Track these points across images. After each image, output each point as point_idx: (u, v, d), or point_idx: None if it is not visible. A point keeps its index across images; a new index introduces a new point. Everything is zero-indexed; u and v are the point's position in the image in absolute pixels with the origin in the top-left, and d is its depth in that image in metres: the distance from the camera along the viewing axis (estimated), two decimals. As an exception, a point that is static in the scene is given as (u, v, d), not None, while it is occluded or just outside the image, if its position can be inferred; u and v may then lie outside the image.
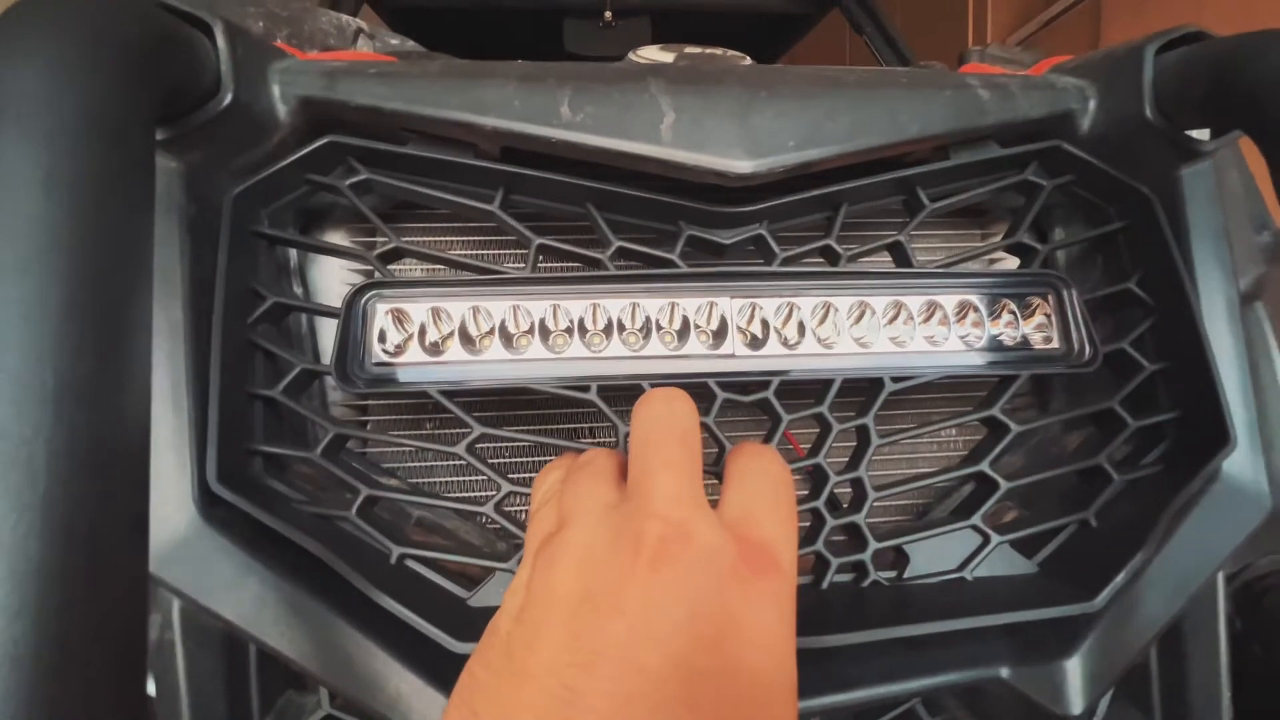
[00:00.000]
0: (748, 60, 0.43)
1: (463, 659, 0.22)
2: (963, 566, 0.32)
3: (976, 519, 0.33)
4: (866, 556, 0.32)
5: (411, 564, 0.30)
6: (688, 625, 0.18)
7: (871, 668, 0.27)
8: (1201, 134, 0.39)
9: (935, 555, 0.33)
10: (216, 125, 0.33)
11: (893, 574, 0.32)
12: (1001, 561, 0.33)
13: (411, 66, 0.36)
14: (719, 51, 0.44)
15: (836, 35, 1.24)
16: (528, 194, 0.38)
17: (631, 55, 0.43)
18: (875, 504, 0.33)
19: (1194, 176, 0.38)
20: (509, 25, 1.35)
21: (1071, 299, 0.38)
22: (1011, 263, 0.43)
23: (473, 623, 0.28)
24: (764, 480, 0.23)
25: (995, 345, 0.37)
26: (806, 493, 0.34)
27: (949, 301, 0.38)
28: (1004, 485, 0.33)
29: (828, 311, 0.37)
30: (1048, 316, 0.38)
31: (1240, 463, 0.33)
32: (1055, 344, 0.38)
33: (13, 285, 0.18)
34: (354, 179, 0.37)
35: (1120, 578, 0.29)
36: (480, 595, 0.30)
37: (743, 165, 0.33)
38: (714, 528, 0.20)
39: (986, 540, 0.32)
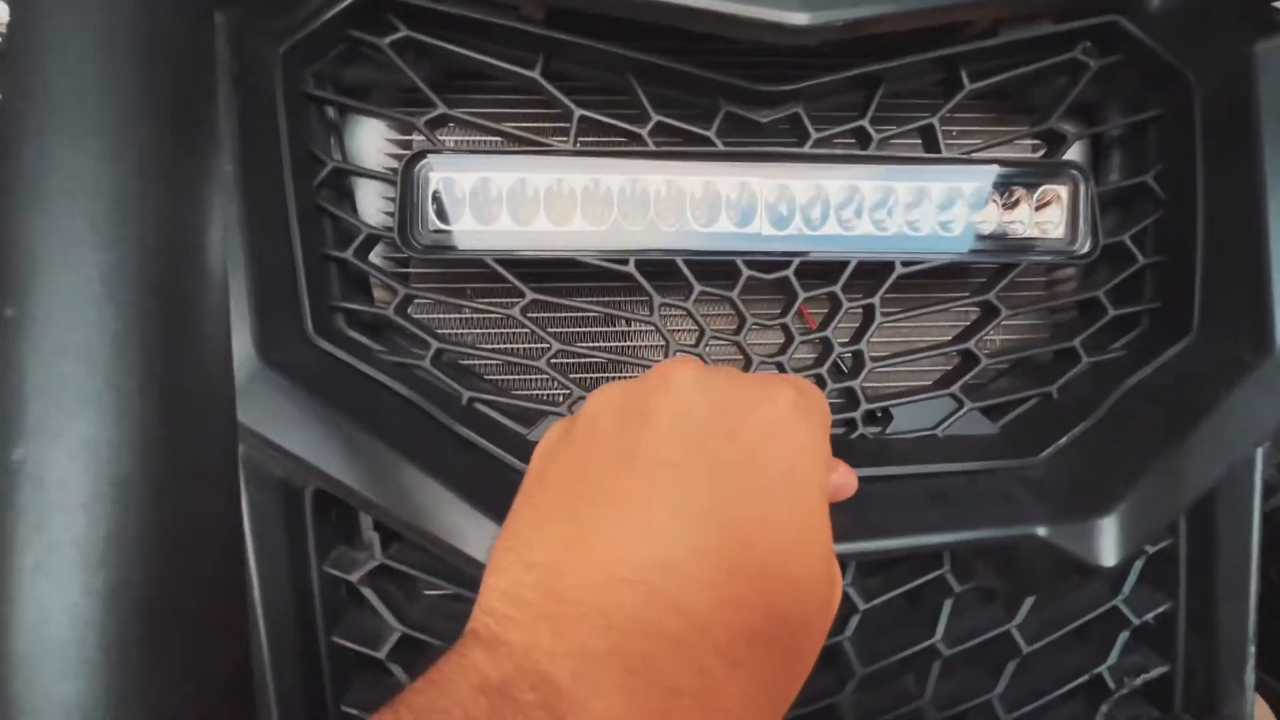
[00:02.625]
0: None
1: (514, 485, 0.26)
2: (936, 426, 0.37)
3: (955, 388, 0.36)
4: (858, 415, 0.36)
5: (479, 406, 0.35)
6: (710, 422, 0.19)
7: (904, 519, 0.28)
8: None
9: (916, 416, 0.37)
10: (255, -20, 0.32)
11: (877, 430, 0.37)
12: (970, 424, 0.37)
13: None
14: None
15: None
16: (570, 61, 0.37)
17: None
18: (876, 371, 0.37)
19: (1271, 53, 0.34)
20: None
21: (1086, 192, 0.38)
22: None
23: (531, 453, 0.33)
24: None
25: (1002, 233, 0.38)
26: (813, 359, 0.37)
27: (968, 188, 0.38)
28: (984, 361, 0.37)
29: (853, 194, 0.37)
30: (1060, 207, 0.38)
31: None
32: (1061, 234, 0.38)
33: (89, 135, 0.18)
34: (395, 36, 0.35)
35: (1063, 440, 0.33)
36: (536, 433, 0.35)
37: (799, 18, 0.29)
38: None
39: (960, 405, 0.37)
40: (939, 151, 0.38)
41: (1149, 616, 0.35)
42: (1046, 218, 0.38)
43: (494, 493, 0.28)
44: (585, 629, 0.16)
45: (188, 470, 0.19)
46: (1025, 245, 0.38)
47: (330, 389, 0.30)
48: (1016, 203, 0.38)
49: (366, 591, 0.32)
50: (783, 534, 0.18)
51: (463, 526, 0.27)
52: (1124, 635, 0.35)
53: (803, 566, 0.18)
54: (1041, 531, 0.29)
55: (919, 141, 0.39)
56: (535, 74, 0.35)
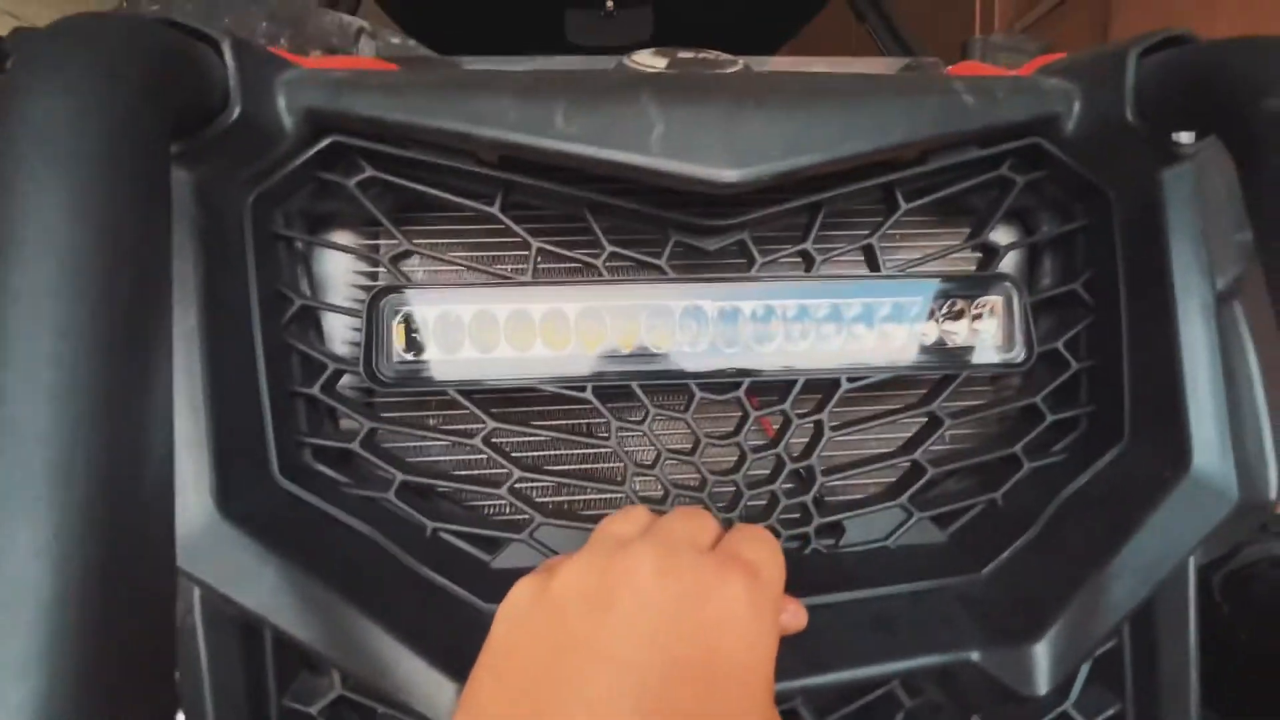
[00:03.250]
0: (740, 63, 0.41)
1: (467, 638, 0.26)
2: (887, 537, 0.38)
3: (904, 499, 0.37)
4: (810, 529, 0.37)
5: (443, 535, 0.35)
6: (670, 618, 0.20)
7: (846, 651, 0.29)
8: (1189, 135, 0.38)
9: (868, 527, 0.38)
10: (226, 138, 0.33)
11: (830, 541, 0.38)
12: (920, 532, 0.38)
13: (412, 77, 0.34)
14: (712, 55, 0.42)
15: (841, 22, 1.11)
16: (527, 198, 0.38)
17: (626, 61, 0.41)
18: (826, 484, 0.38)
19: (1174, 179, 0.37)
20: (511, 17, 1.18)
21: (1019, 302, 0.40)
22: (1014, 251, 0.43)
23: (495, 584, 0.34)
24: (752, 532, 0.26)
25: (942, 345, 0.39)
26: (767, 474, 0.39)
27: (908, 303, 0.40)
28: (930, 471, 0.38)
29: (798, 313, 0.39)
30: (996, 318, 0.40)
31: (1208, 457, 0.32)
32: (998, 343, 0.40)
33: (47, 307, 0.18)
34: (360, 176, 0.37)
35: (1005, 555, 0.34)
36: (501, 559, 0.36)
37: (729, 174, 0.32)
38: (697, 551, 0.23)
39: (910, 515, 0.38)
40: (879, 269, 0.39)
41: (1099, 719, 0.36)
42: (983, 327, 0.40)
43: (454, 643, 0.29)
44: None
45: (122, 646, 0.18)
46: (965, 354, 0.39)
47: (290, 534, 0.30)
48: (959, 314, 0.40)
49: None
50: None
51: (419, 685, 0.27)
52: None
53: None
54: (975, 658, 0.29)
55: (861, 259, 0.40)
56: (495, 210, 0.37)
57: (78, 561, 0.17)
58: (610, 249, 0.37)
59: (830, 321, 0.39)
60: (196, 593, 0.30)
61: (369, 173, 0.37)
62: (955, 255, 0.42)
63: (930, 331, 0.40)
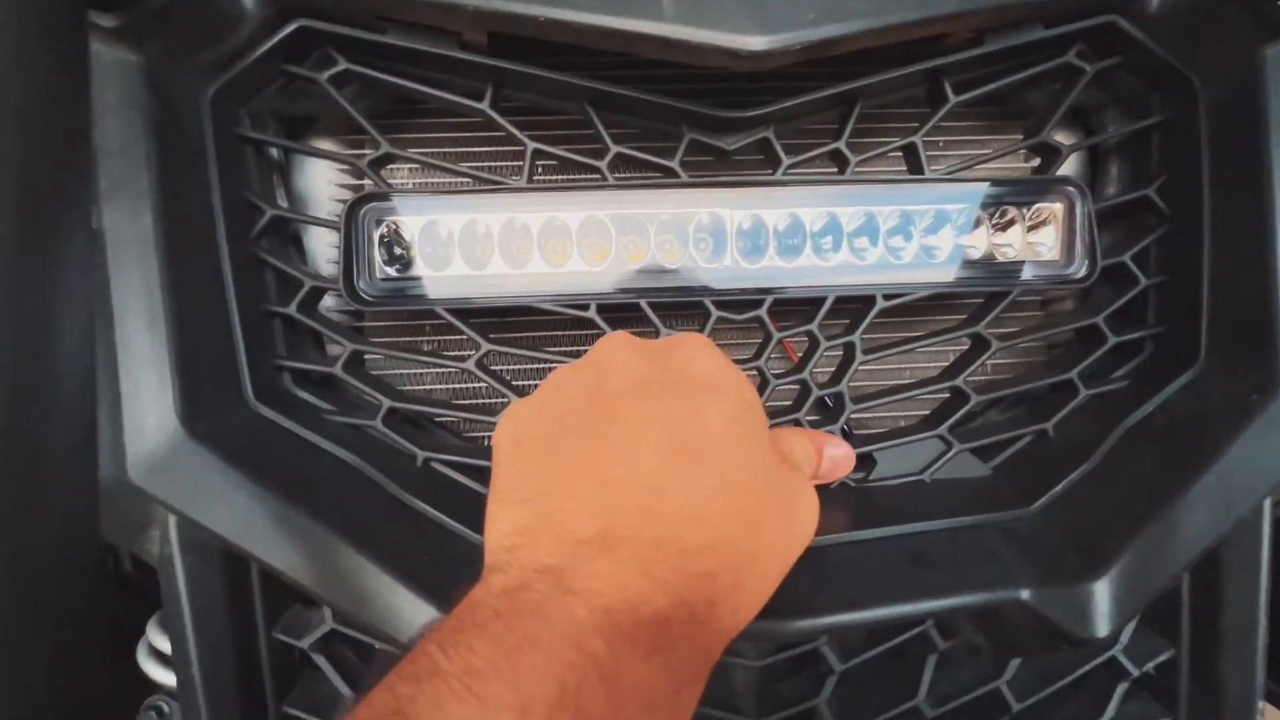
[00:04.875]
0: None
1: (459, 571, 0.22)
2: (923, 470, 0.33)
3: (943, 429, 0.33)
4: (839, 461, 0.33)
5: (435, 465, 0.32)
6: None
7: (878, 588, 0.26)
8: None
9: (902, 458, 0.33)
10: (174, 13, 0.28)
11: (860, 475, 0.33)
12: (960, 465, 0.33)
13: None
14: None
15: None
16: (523, 91, 0.33)
17: None
18: (855, 413, 0.33)
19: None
20: None
21: (1083, 209, 0.34)
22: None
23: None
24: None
25: (991, 259, 0.34)
26: (790, 403, 0.34)
27: (955, 211, 0.34)
28: (974, 399, 0.33)
29: (829, 223, 0.33)
30: (1055, 227, 0.34)
31: None
32: (1056, 257, 0.34)
33: None
34: (332, 70, 0.31)
35: (1059, 488, 0.29)
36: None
37: (755, 42, 0.25)
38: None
39: (949, 447, 0.33)
40: (922, 172, 0.34)
41: (1149, 667, 0.31)
42: (1040, 239, 0.34)
43: (444, 574, 0.25)
44: (574, 526, 0.19)
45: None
46: (1017, 270, 0.34)
47: (266, 459, 0.27)
48: (1009, 223, 0.35)
49: (318, 658, 0.29)
50: (717, 423, 0.21)
51: (398, 611, 0.24)
52: (1123, 686, 0.31)
53: (738, 445, 0.22)
54: (1026, 596, 0.25)
55: (901, 161, 0.35)
56: (484, 106, 0.32)
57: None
58: (615, 149, 0.32)
59: (865, 232, 0.33)
60: (173, 521, 0.27)
61: (343, 65, 0.31)
62: (1009, 158, 0.36)
63: (979, 243, 0.34)
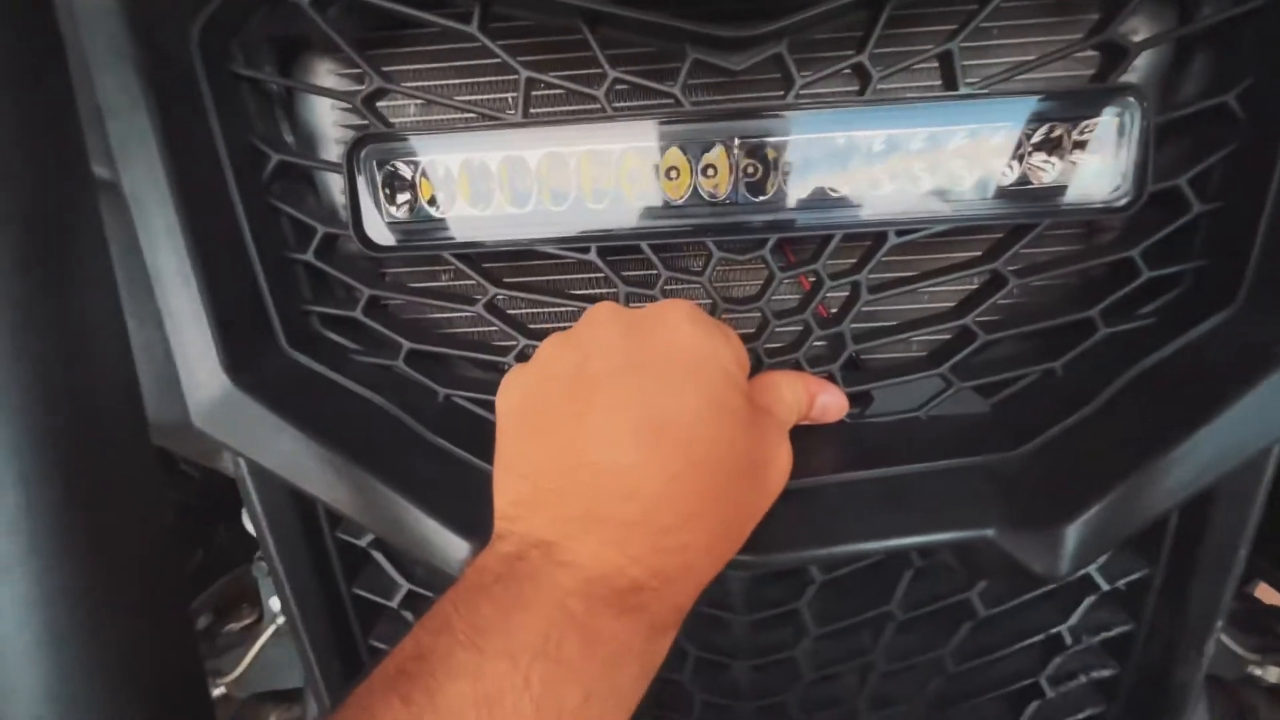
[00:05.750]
0: None
1: (474, 500, 0.26)
2: (921, 407, 0.33)
3: (944, 368, 0.32)
4: (835, 397, 0.33)
5: (456, 400, 0.34)
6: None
7: (854, 524, 0.27)
8: None
9: (900, 395, 0.33)
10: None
11: (855, 411, 0.34)
12: (960, 401, 0.33)
13: None
14: None
15: None
16: (511, 9, 0.30)
17: None
18: (857, 350, 0.33)
19: None
20: None
21: (1139, 125, 0.29)
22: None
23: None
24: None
25: (1024, 185, 0.31)
26: (792, 340, 0.34)
27: (990, 131, 0.30)
28: (982, 338, 0.32)
29: (847, 150, 0.31)
30: (1104, 146, 0.30)
31: None
32: (1100, 182, 0.31)
33: None
34: (317, -9, 0.29)
35: (1052, 431, 0.29)
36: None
37: None
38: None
39: (949, 385, 0.33)
40: (957, 86, 0.30)
41: (1121, 583, 0.33)
42: (1084, 161, 0.31)
43: (464, 504, 0.28)
44: (564, 505, 0.22)
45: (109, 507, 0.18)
46: (1051, 198, 0.31)
47: (302, 402, 0.30)
48: (1056, 143, 0.31)
49: (376, 554, 0.34)
50: (693, 404, 0.23)
51: (428, 539, 0.27)
52: (1090, 599, 0.34)
53: (714, 425, 0.23)
54: (991, 534, 0.27)
55: (935, 74, 0.30)
56: (473, 28, 0.29)
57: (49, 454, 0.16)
58: (613, 74, 0.29)
59: (884, 158, 0.30)
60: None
61: (323, -15, 0.29)
62: (1070, 61, 0.31)
63: (1012, 168, 0.31)
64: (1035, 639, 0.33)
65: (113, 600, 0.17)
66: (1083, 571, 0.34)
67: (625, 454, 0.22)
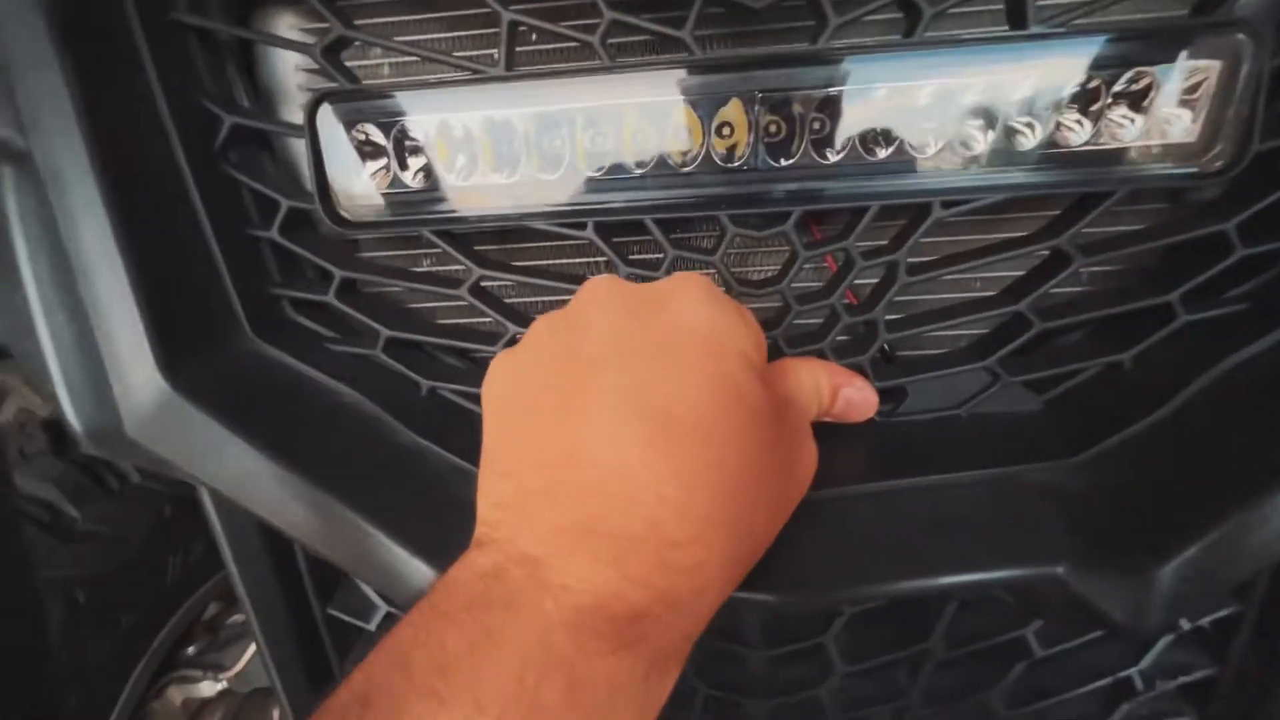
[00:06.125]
0: None
1: (456, 516, 0.22)
2: (961, 405, 0.29)
3: (992, 360, 0.28)
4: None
5: (442, 393, 0.31)
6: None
7: (897, 559, 0.23)
8: None
9: (939, 390, 0.29)
10: None
11: (887, 408, 0.30)
12: (1007, 397, 0.29)
13: None
14: None
15: None
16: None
17: None
18: (891, 339, 0.29)
19: None
20: None
21: (1249, 67, 0.24)
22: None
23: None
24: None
25: (1097, 146, 0.26)
26: (817, 327, 0.30)
27: (1063, 76, 0.25)
28: (1037, 326, 0.27)
29: (888, 105, 0.26)
30: (1202, 97, 0.25)
31: None
32: (1192, 139, 0.26)
33: None
34: (265, -77, 0.25)
35: (1114, 439, 0.25)
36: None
37: None
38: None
39: (995, 379, 0.28)
40: (1025, 24, 0.24)
41: (1205, 621, 0.28)
42: (1175, 115, 0.25)
43: (437, 521, 0.25)
44: (551, 513, 0.18)
45: None
46: (1132, 160, 0.26)
47: (260, 405, 0.26)
48: (1143, 91, 0.25)
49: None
50: (706, 393, 0.19)
51: (396, 570, 0.24)
52: (1168, 637, 0.29)
53: (731, 418, 0.20)
54: (1061, 572, 0.23)
55: (1000, 10, 0.25)
56: (446, -38, 0.25)
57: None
58: (611, 16, 0.24)
59: (935, 114, 0.25)
60: None
61: (272, -85, 0.24)
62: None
63: (1084, 125, 0.26)
64: (1101, 683, 0.30)
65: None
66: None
67: (626, 452, 0.18)
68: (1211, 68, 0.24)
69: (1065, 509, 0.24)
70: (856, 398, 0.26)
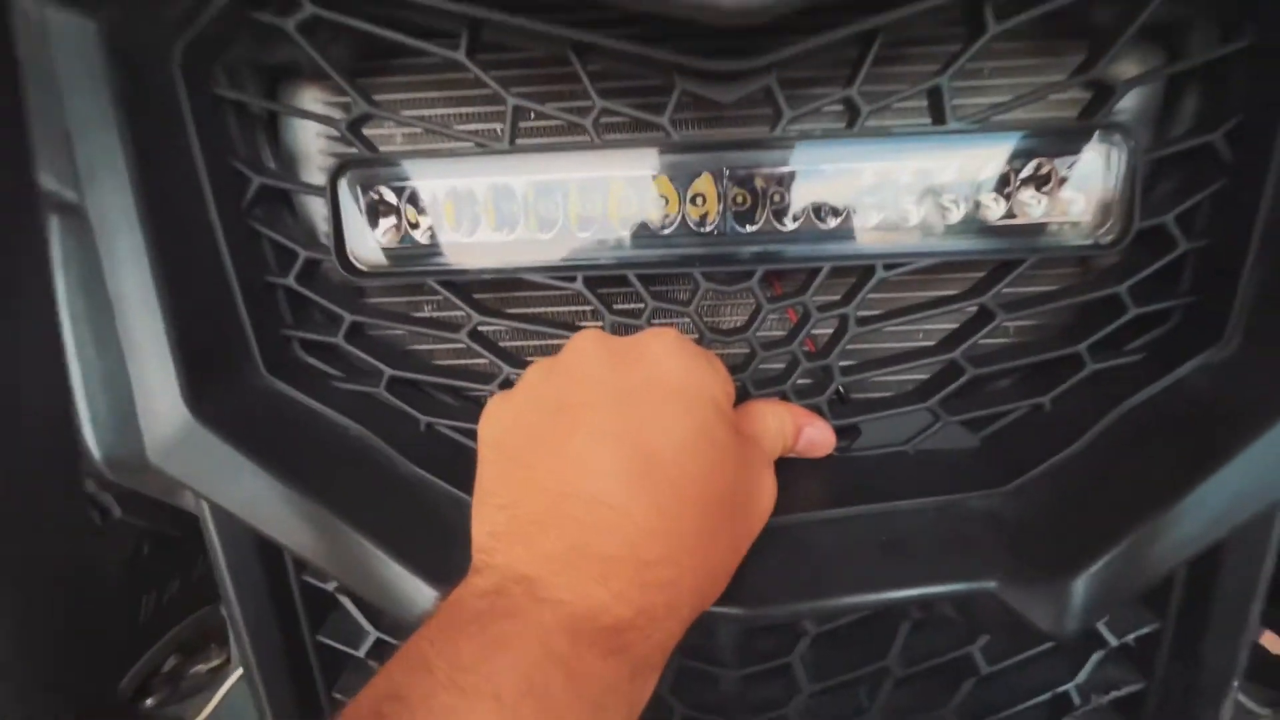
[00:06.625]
0: None
1: (455, 540, 0.24)
2: (908, 441, 0.32)
3: (933, 402, 0.31)
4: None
5: (438, 428, 0.33)
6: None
7: (852, 575, 0.25)
8: None
9: (888, 428, 0.32)
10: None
11: (843, 444, 0.33)
12: (947, 435, 0.32)
13: None
14: None
15: None
16: (500, 36, 0.29)
17: None
18: (845, 383, 0.32)
19: None
20: None
21: (1124, 163, 0.29)
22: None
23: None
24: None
25: (1011, 220, 0.30)
26: (780, 371, 0.33)
27: (978, 165, 0.30)
28: (970, 372, 0.31)
29: (834, 183, 0.30)
30: (1091, 182, 0.30)
31: None
32: (1088, 218, 0.30)
33: None
34: (300, 16, 0.28)
35: (1039, 469, 0.28)
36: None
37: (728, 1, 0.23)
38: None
39: (937, 419, 0.32)
40: (945, 121, 0.29)
41: (1130, 638, 0.30)
42: (1071, 197, 0.30)
43: (434, 544, 0.27)
44: (544, 539, 0.21)
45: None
46: (1037, 234, 0.30)
47: (274, 435, 0.28)
48: (1043, 179, 0.30)
49: (343, 599, 0.33)
50: (680, 435, 0.22)
51: (395, 586, 0.26)
52: (1098, 654, 0.32)
53: (702, 458, 0.22)
54: (994, 586, 0.26)
55: (925, 107, 0.30)
56: (460, 55, 0.29)
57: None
58: (601, 104, 0.29)
59: (875, 191, 0.30)
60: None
61: (309, 10, 0.28)
62: (1057, 97, 0.31)
63: (999, 203, 0.30)
64: (1042, 697, 0.32)
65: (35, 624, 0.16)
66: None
67: (609, 485, 0.21)
68: (1097, 160, 0.29)
69: (997, 532, 0.27)
70: (817, 436, 0.29)
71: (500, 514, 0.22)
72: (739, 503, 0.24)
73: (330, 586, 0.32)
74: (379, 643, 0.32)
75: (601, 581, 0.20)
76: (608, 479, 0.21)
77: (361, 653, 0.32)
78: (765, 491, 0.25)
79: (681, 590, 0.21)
